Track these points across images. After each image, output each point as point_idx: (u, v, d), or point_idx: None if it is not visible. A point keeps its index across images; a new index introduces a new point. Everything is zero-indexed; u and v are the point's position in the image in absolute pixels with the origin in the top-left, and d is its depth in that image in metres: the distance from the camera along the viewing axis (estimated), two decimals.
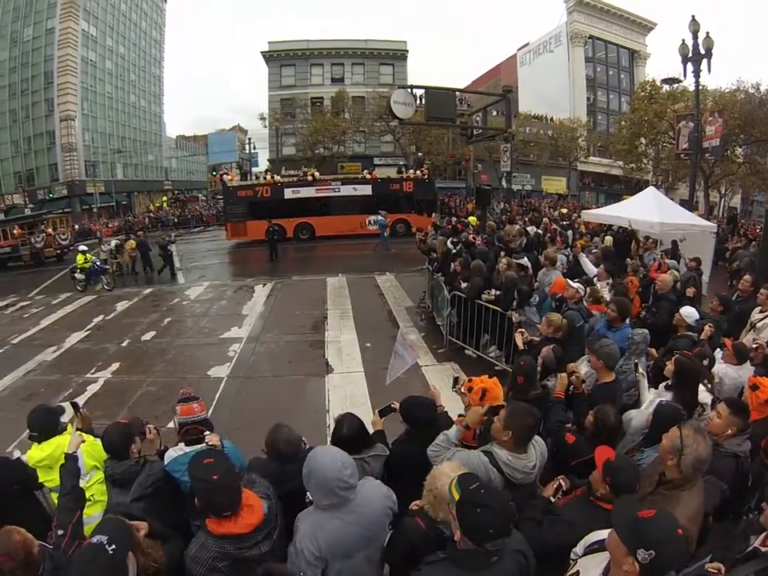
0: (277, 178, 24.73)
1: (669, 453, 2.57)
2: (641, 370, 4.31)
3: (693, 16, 14.28)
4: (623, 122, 34.20)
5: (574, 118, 41.30)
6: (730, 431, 3.12)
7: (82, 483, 2.95)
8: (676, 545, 1.75)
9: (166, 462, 2.92)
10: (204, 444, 2.94)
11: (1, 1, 47.64)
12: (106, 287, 15.86)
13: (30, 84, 46.80)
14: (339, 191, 23.44)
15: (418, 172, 24.33)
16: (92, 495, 3.01)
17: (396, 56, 42.26)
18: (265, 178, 24.73)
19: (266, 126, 40.51)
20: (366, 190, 23.59)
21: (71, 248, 22.78)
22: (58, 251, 23.64)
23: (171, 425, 5.39)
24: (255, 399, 7.06)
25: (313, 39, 41.75)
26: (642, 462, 3.07)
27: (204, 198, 59.81)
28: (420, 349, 8.66)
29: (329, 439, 5.20)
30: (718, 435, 3.08)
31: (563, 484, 2.74)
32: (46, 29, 46.11)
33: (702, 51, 14.58)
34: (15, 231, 23.50)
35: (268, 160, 42.78)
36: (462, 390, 3.52)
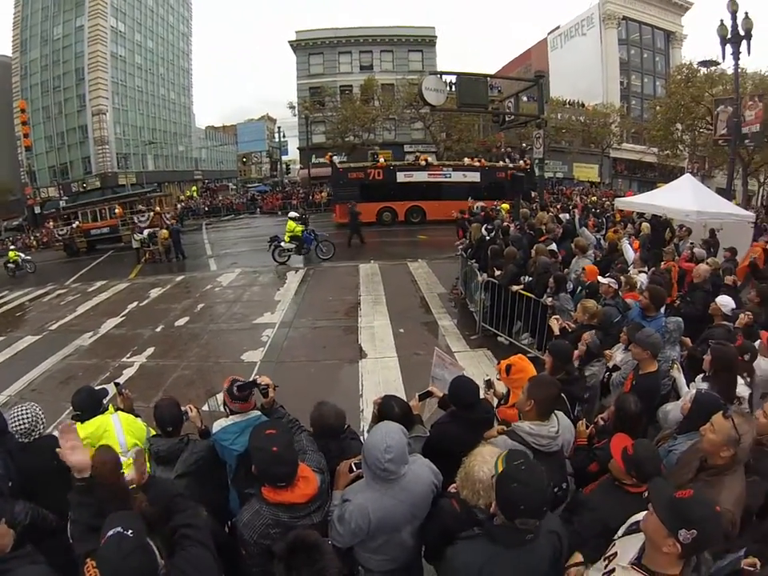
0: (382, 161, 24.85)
1: (723, 444, 2.52)
2: (677, 365, 4.24)
3: None
4: (658, 107, 33.30)
5: (607, 103, 40.44)
6: None
7: (123, 460, 3.02)
8: (716, 522, 1.78)
9: (214, 431, 2.97)
10: (256, 413, 2.97)
11: (29, 1, 49.62)
12: (321, 256, 15.84)
13: (62, 81, 48.86)
14: (450, 177, 23.60)
15: (521, 162, 24.39)
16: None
17: (425, 42, 41.87)
18: (376, 161, 24.59)
19: (295, 115, 40.61)
20: (475, 176, 23.65)
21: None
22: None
23: (205, 408, 5.46)
24: (289, 383, 6.85)
25: (340, 27, 41.71)
26: (675, 448, 3.06)
27: (234, 187, 60.79)
28: (452, 335, 8.77)
29: (362, 423, 5.44)
30: (763, 435, 2.98)
31: None
32: (75, 27, 48.03)
33: (742, 32, 14.07)
34: (117, 210, 22.90)
35: (298, 148, 43.14)
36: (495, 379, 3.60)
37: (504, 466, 2.06)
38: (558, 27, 49.59)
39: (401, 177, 23.46)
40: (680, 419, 3.30)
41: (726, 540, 2.15)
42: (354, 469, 2.63)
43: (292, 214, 16.84)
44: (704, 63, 25.24)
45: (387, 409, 2.99)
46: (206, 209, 36.94)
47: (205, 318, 10.84)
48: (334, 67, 41.71)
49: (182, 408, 3.29)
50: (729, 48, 14.49)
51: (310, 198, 33.83)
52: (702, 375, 3.91)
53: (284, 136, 45.03)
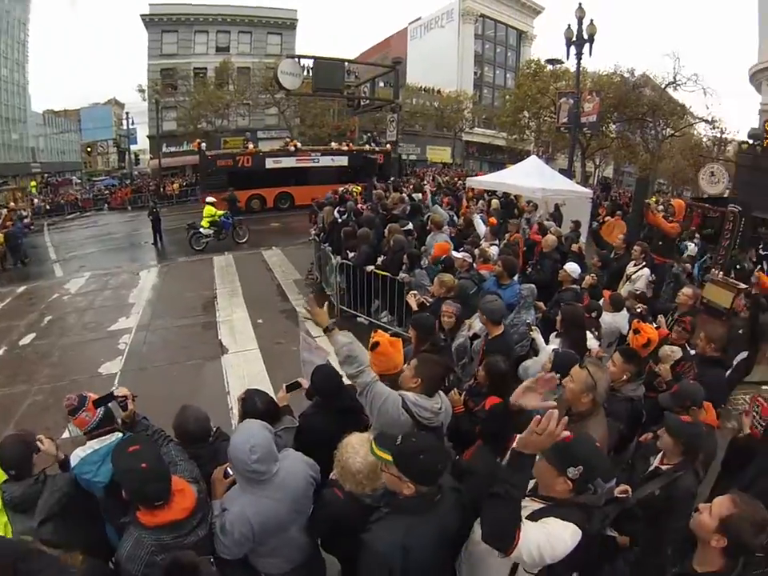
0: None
1: (583, 391, 2.84)
2: (534, 327, 4.62)
3: (580, 3, 15.37)
4: (508, 97, 36.20)
5: (461, 90, 42.65)
6: (625, 377, 3.49)
7: None
8: (598, 456, 2.05)
9: (73, 464, 2.62)
10: (116, 435, 2.67)
11: None
12: (238, 240, 15.96)
13: None
14: (318, 162, 24.12)
15: (387, 146, 24.96)
16: None
17: (285, 25, 40.48)
18: (246, 148, 24.58)
19: (144, 99, 37.42)
20: (343, 161, 24.40)
21: (31, 228, 19.14)
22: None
23: (66, 434, 5.00)
24: (153, 390, 6.50)
25: (197, 4, 38.47)
26: None
27: (79, 181, 54.65)
28: (312, 321, 8.70)
29: (233, 421, 5.24)
30: (614, 382, 3.37)
31: None
32: None
33: (586, 36, 15.71)
34: None
35: (148, 136, 39.72)
36: None
37: (391, 451, 2.06)
38: (419, 18, 51.26)
39: (269, 163, 23.44)
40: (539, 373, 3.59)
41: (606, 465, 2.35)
42: (230, 473, 2.52)
43: (210, 198, 16.15)
44: (550, 61, 28.07)
45: (250, 405, 2.92)
46: (48, 207, 32.94)
47: (54, 332, 9.69)
48: (188, 47, 38.59)
49: (37, 440, 2.76)
50: (573, 49, 16.08)
51: (162, 189, 31.74)
52: (555, 333, 4.34)
53: (133, 123, 41.18)
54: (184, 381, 7.10)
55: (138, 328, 9.30)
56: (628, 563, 2.67)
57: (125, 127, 42.78)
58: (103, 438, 2.66)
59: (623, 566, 2.66)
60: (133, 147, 43.31)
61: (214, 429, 2.97)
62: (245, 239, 16.23)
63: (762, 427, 3.42)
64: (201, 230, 15.46)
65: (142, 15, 37.81)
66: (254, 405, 2.91)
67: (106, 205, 33.10)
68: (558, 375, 2.37)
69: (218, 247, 15.49)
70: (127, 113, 41.65)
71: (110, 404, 2.77)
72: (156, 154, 36.53)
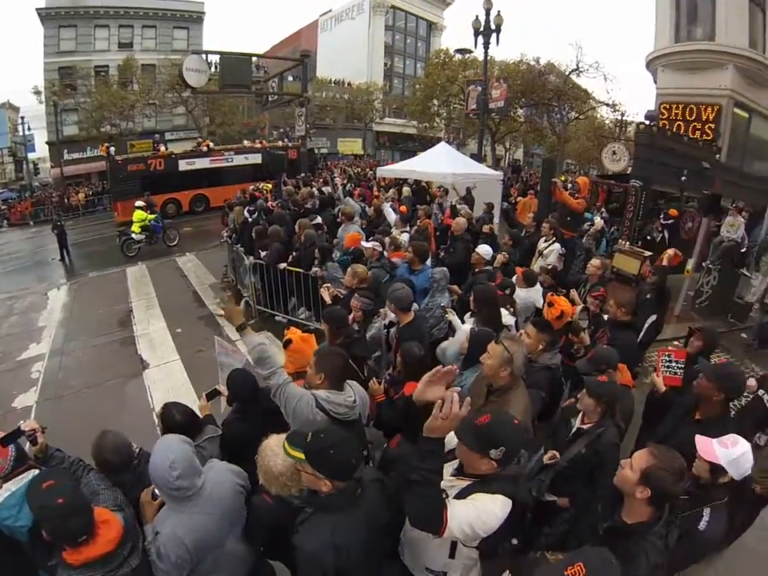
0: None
1: (500, 366, 2.88)
2: (449, 310, 4.74)
3: None
4: (418, 86, 36.63)
5: (371, 82, 42.95)
6: (540, 347, 3.60)
7: None
8: (517, 434, 2.02)
9: None
10: (32, 472, 2.48)
11: None
12: (169, 243, 15.80)
13: None
14: (232, 161, 23.63)
15: (299, 140, 24.47)
16: None
17: (192, 19, 38.28)
18: (158, 151, 23.89)
19: (41, 102, 34.25)
20: (257, 158, 23.85)
21: None
22: None
23: None
24: (73, 419, 6.19)
25: None
26: (463, 383, 3.37)
27: None
28: (231, 324, 8.58)
29: None
30: (531, 353, 3.47)
31: None
32: None
33: (493, 27, 16.46)
34: None
35: (47, 143, 36.28)
36: None
37: (302, 449, 2.04)
38: (330, 10, 50.99)
39: (183, 165, 22.65)
40: (457, 353, 3.77)
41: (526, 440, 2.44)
42: (158, 494, 2.40)
43: (139, 203, 15.47)
44: (459, 51, 28.79)
45: (168, 418, 2.87)
46: None
47: None
48: (88, 43, 35.40)
49: None
50: (481, 39, 16.79)
51: (66, 200, 29.67)
52: (469, 313, 4.43)
53: (29, 128, 37.79)
54: (106, 403, 6.73)
55: (52, 353, 8.67)
56: (565, 523, 2.82)
57: (21, 133, 39.29)
58: (19, 477, 2.47)
59: (561, 526, 2.82)
60: (31, 155, 39.92)
61: (137, 450, 2.80)
62: (175, 242, 15.95)
63: (681, 371, 3.71)
64: (132, 235, 14.93)
65: (37, 9, 34.47)
66: (173, 418, 2.85)
67: (5, 221, 30.55)
68: (457, 369, 2.45)
69: (150, 253, 15.04)
70: (23, 117, 38.15)
71: (20, 440, 2.60)
72: (57, 162, 33.62)
